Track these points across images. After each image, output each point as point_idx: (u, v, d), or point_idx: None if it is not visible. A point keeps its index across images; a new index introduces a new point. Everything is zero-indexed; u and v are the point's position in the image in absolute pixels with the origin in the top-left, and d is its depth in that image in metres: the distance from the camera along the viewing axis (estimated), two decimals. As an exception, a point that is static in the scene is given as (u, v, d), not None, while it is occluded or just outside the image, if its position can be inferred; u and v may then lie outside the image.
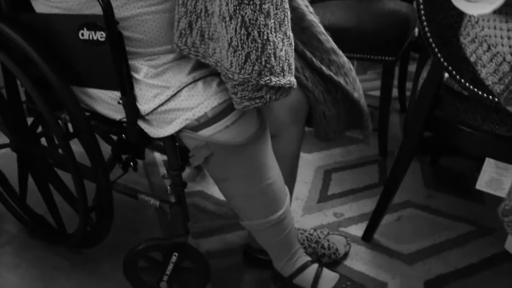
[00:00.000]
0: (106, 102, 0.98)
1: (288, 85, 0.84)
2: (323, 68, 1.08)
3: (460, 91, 1.12)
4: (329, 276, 1.13)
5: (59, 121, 1.10)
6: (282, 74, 0.83)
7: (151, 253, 1.14)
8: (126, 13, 0.89)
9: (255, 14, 0.76)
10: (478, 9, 0.80)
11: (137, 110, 0.93)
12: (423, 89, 1.16)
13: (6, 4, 1.06)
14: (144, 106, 0.91)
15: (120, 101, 0.92)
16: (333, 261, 1.28)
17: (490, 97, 0.98)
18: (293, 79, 0.86)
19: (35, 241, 1.39)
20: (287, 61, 0.84)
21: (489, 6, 0.78)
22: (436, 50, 1.04)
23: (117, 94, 0.93)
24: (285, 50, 0.83)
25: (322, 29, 1.08)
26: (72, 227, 1.25)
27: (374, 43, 1.61)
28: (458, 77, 1.03)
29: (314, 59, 1.07)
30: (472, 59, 0.93)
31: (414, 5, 1.05)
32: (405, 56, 2.07)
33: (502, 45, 0.87)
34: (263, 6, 0.77)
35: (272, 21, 0.79)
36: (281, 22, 0.82)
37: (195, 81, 0.91)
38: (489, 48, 0.89)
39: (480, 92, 1.01)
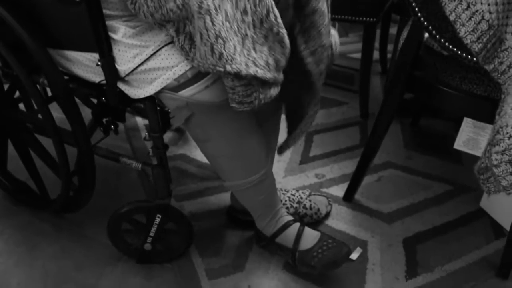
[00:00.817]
0: (84, 64, 0.96)
1: (272, 80, 0.86)
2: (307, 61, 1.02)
3: (440, 51, 1.13)
4: (310, 235, 1.15)
5: (37, 85, 1.08)
6: (267, 68, 0.85)
7: (134, 215, 1.15)
8: None
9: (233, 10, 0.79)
10: (457, -34, 0.80)
11: (116, 71, 0.91)
12: (403, 49, 1.16)
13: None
14: (123, 66, 0.90)
15: (99, 63, 0.90)
16: (315, 221, 1.31)
17: (469, 56, 0.99)
18: (279, 76, 0.88)
19: (18, 207, 1.39)
20: (272, 56, 0.87)
21: (468, -37, 0.78)
22: (416, 9, 1.04)
23: (95, 56, 0.91)
24: (269, 46, 0.86)
25: (326, 20, 0.99)
26: (54, 192, 1.24)
27: (355, 4, 1.61)
28: (438, 36, 1.04)
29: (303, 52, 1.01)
30: (452, 17, 0.93)
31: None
32: (386, 18, 2.07)
33: (481, 3, 0.87)
34: (239, 3, 0.79)
35: (250, 17, 0.82)
36: (263, 19, 0.83)
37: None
38: (468, 6, 0.89)
39: (459, 52, 1.02)
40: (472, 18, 0.89)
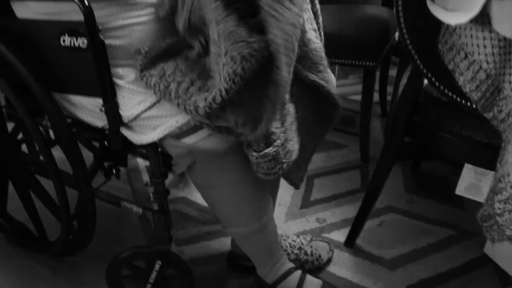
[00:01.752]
0: (88, 109, 0.97)
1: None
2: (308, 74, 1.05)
3: (440, 97, 1.14)
4: (312, 283, 1.13)
5: (40, 127, 1.09)
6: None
7: (134, 261, 1.13)
8: (115, 23, 0.88)
9: None
10: (455, 18, 0.82)
11: (119, 117, 0.92)
12: (403, 95, 1.18)
13: (-14, 8, 1.05)
14: (127, 112, 0.91)
15: (102, 108, 0.91)
16: (316, 267, 1.29)
17: (468, 103, 1.01)
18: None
19: (16, 249, 1.37)
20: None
21: (465, 16, 0.80)
22: (416, 57, 1.06)
23: (99, 101, 0.92)
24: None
25: (317, 45, 1.03)
26: (54, 235, 1.23)
27: (355, 48, 1.64)
28: (437, 83, 1.05)
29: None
30: (450, 66, 0.95)
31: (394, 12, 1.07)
32: (385, 61, 2.11)
33: (479, 54, 0.89)
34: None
35: None
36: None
37: None
38: (466, 56, 0.91)
39: (458, 99, 1.03)
40: (471, 68, 0.90)
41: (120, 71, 0.91)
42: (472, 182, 1.15)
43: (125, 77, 0.91)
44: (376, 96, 1.97)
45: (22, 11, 0.97)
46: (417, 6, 1.02)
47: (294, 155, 0.90)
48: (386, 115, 2.21)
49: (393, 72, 2.18)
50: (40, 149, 1.06)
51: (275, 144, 0.84)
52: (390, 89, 2.23)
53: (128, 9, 0.88)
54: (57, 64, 0.97)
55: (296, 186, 1.09)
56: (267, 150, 0.83)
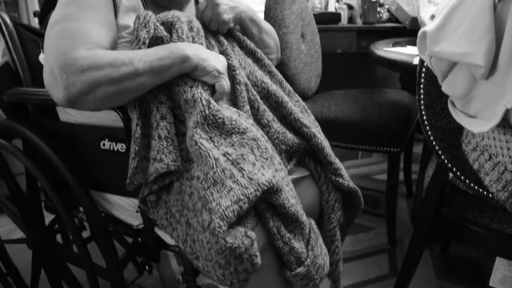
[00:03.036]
0: (124, 208, 1.01)
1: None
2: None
3: (466, 190, 1.15)
4: None
5: (75, 219, 1.13)
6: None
7: None
8: None
9: None
10: (477, 126, 0.85)
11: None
12: (429, 189, 1.19)
13: (34, 111, 1.13)
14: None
15: (138, 210, 0.95)
16: None
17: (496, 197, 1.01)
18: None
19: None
20: None
21: (487, 124, 0.83)
22: (440, 152, 1.08)
23: (135, 201, 0.97)
24: None
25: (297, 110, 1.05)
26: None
27: (379, 135, 1.67)
28: (462, 177, 1.06)
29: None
30: (475, 166, 0.96)
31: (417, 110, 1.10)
32: (409, 139, 2.12)
33: (503, 155, 0.91)
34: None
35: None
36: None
37: None
38: (490, 157, 0.93)
39: (485, 193, 1.04)
40: (496, 169, 0.92)
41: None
42: (506, 275, 1.13)
43: None
44: (401, 175, 1.98)
45: (65, 115, 1.05)
46: (439, 106, 1.06)
47: (326, 269, 0.91)
48: (411, 195, 2.20)
49: (417, 148, 2.18)
50: (75, 241, 1.10)
51: (306, 263, 0.86)
52: (414, 166, 2.23)
53: None
54: (96, 164, 1.03)
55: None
56: (298, 270, 0.85)
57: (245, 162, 0.82)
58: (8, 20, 1.12)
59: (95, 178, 1.04)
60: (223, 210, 0.75)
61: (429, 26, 0.89)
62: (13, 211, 1.28)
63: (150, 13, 0.91)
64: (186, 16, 0.93)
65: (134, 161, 0.85)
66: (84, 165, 1.05)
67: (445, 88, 0.93)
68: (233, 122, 0.85)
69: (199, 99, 0.83)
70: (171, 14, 0.93)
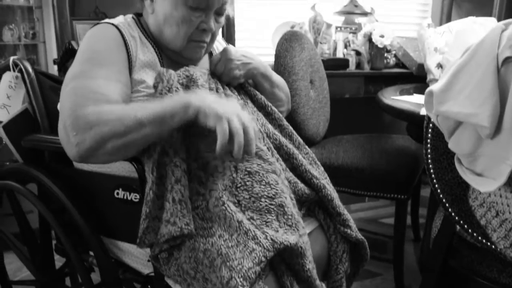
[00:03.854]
0: (136, 256, 1.03)
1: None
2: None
3: (474, 242, 1.15)
4: None
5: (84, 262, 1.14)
6: None
7: None
8: None
9: None
10: (483, 186, 0.87)
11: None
12: (437, 240, 1.19)
13: (49, 157, 1.16)
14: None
15: (150, 259, 0.96)
16: None
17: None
18: None
19: None
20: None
21: (493, 183, 0.85)
22: (447, 205, 1.09)
23: (147, 251, 0.98)
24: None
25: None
26: None
27: (386, 183, 1.68)
28: (470, 230, 1.07)
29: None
30: (482, 222, 0.98)
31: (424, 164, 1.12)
32: (417, 183, 2.12)
33: (510, 213, 0.92)
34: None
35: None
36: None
37: None
38: (497, 214, 0.94)
39: (493, 247, 1.04)
40: (503, 226, 0.93)
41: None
42: (514, 330, 1.12)
43: None
44: (408, 219, 1.97)
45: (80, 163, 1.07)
46: (446, 160, 1.08)
47: None
48: (418, 240, 2.19)
49: (424, 191, 2.17)
50: (84, 284, 1.11)
51: None
52: (422, 210, 2.23)
53: None
54: (109, 212, 1.05)
55: None
56: None
57: (268, 229, 0.86)
58: (30, 69, 1.17)
59: (107, 225, 1.06)
60: (245, 271, 0.78)
61: (435, 86, 0.93)
62: (22, 250, 1.30)
63: (172, 74, 0.95)
64: (201, 72, 0.97)
65: (145, 222, 0.88)
66: (97, 211, 1.07)
67: (451, 146, 0.96)
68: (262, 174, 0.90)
69: (228, 165, 0.88)
70: (189, 72, 0.97)
